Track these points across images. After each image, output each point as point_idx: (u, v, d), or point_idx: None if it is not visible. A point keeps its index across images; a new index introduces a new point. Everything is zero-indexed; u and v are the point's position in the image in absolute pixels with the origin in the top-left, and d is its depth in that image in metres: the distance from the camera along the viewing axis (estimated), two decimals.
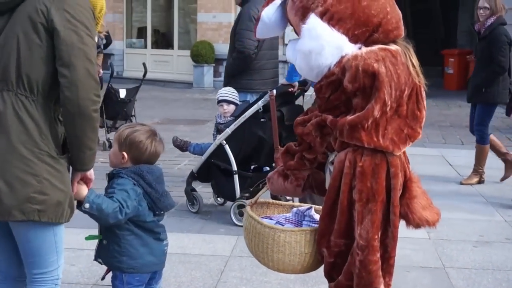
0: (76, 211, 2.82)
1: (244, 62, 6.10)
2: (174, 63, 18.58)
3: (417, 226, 3.03)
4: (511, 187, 7.12)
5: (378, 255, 2.96)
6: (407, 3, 23.71)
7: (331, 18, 2.85)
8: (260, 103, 5.36)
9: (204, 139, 10.11)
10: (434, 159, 8.68)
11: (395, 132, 2.89)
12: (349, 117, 2.84)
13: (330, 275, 3.05)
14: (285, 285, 4.21)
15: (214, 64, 18.14)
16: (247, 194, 5.49)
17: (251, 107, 5.43)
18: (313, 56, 2.86)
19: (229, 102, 5.89)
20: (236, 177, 5.49)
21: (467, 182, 7.30)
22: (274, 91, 5.29)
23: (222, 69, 18.76)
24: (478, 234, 5.50)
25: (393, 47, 2.90)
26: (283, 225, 3.20)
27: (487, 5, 6.96)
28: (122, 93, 8.76)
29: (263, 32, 3.20)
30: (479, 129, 7.39)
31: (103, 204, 2.84)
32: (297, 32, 2.98)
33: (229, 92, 5.93)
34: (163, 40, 20.22)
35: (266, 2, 3.14)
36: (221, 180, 5.70)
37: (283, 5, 3.07)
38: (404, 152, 3.04)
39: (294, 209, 3.33)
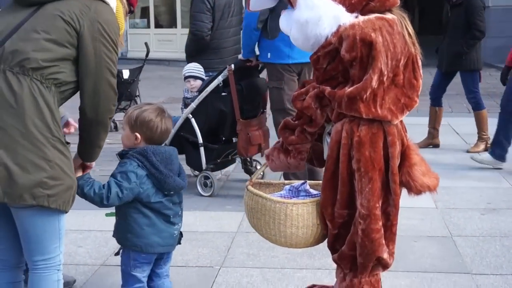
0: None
1: (198, 43, 6.20)
2: (178, 41, 18.42)
3: (419, 192, 3.02)
4: None
5: (380, 223, 2.95)
6: None
7: None
8: (220, 78, 5.56)
9: None
10: (441, 128, 8.60)
11: (392, 102, 2.87)
12: (347, 89, 2.81)
13: (333, 247, 3.04)
14: (292, 259, 4.21)
15: None
16: (212, 166, 5.81)
17: (211, 82, 5.62)
18: (310, 26, 2.83)
19: (195, 77, 6.02)
20: (202, 149, 5.74)
21: (474, 150, 7.27)
22: (232, 65, 5.49)
23: None
24: (486, 201, 5.47)
25: (389, 16, 2.86)
26: None
27: None
28: (126, 74, 8.73)
29: (256, 4, 3.16)
30: (471, 97, 7.55)
31: (84, 188, 2.89)
32: (291, 2, 2.93)
33: (195, 68, 6.05)
34: (166, 19, 20.13)
35: None
36: (190, 152, 5.89)
37: None
38: (401, 121, 3.01)
39: (287, 186, 3.29)
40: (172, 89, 13.02)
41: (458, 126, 8.75)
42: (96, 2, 2.72)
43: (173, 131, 5.71)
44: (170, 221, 3.08)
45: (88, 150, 2.84)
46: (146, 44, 9.23)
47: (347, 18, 2.81)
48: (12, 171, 2.52)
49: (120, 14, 2.90)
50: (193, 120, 5.73)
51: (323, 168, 3.07)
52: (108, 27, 2.69)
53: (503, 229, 4.78)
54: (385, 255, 2.99)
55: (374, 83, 2.77)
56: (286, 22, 2.99)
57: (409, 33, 2.89)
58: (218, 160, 5.86)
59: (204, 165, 5.75)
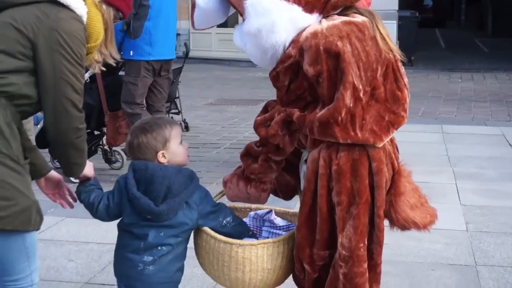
0: None
1: None
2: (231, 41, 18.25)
3: (403, 227, 2.61)
4: None
5: (365, 265, 2.55)
6: None
7: None
8: (86, 75, 5.69)
9: (253, 120, 9.80)
10: (493, 138, 8.03)
11: (374, 121, 2.45)
12: (318, 112, 2.41)
13: None
14: None
15: None
16: None
17: None
18: (264, 35, 2.43)
19: None
20: None
21: None
22: None
23: None
24: None
25: (358, 18, 2.44)
26: None
27: None
28: None
29: (201, 20, 2.71)
30: None
31: (81, 195, 2.75)
32: (241, 14, 2.54)
33: None
34: (228, 19, 19.96)
35: None
36: None
37: None
38: (392, 141, 2.60)
39: (251, 213, 2.93)
40: (225, 90, 12.78)
41: None
42: (57, 8, 2.40)
43: (39, 127, 5.95)
44: (134, 249, 2.66)
45: (64, 165, 2.58)
46: (185, 44, 9.06)
47: (306, 20, 2.41)
48: None
49: (95, 21, 2.55)
50: None
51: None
52: (69, 37, 2.36)
53: None
54: None
55: (349, 101, 2.35)
56: (240, 37, 2.61)
57: (382, 37, 2.45)
58: None
59: None
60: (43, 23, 2.36)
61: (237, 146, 7.90)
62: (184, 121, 8.75)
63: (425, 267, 4.12)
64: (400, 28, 16.57)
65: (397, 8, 16.83)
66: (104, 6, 2.61)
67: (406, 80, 2.54)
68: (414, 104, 10.78)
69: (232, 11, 2.70)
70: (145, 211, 2.62)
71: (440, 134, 8.27)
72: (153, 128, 2.69)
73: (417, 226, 2.60)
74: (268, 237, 2.94)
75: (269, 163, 2.62)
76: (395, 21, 16.54)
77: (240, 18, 2.68)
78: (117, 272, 2.75)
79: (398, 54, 2.49)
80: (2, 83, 2.34)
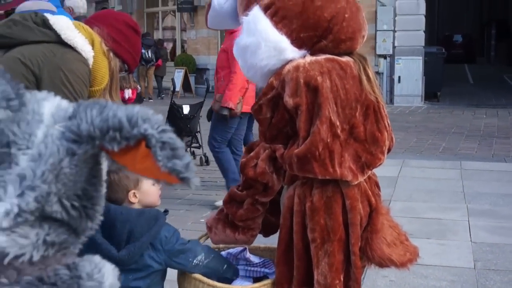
0: None
1: None
2: None
3: (380, 265, 2.55)
4: None
5: None
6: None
7: (275, 13, 2.41)
8: None
9: None
10: (509, 175, 7.94)
11: (352, 159, 2.43)
12: (296, 149, 2.42)
13: None
14: None
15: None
16: None
17: None
18: (248, 53, 2.43)
19: None
20: None
21: None
22: None
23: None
24: None
25: (343, 58, 2.44)
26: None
27: None
28: (186, 109, 8.59)
29: (214, 21, 2.75)
30: None
31: None
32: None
33: None
34: None
35: None
36: None
37: None
38: (370, 178, 2.58)
39: (223, 252, 2.88)
40: None
41: None
42: (64, 49, 2.51)
43: None
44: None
45: None
46: (172, 79, 9.30)
47: (292, 53, 2.40)
48: None
49: (101, 67, 2.63)
50: None
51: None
52: (72, 76, 2.47)
53: None
54: None
55: (325, 136, 2.33)
56: (235, 48, 2.58)
57: (368, 78, 2.45)
58: None
59: None
60: (49, 60, 2.46)
61: None
62: (204, 155, 8.82)
63: None
64: (426, 64, 16.57)
65: (423, 44, 16.82)
66: (111, 55, 2.69)
67: (388, 122, 2.51)
68: (435, 140, 10.75)
69: None
70: (106, 257, 2.53)
71: (459, 170, 8.19)
72: None
73: (394, 264, 2.55)
74: (246, 275, 2.92)
75: (256, 206, 2.57)
76: (421, 57, 16.55)
77: None
78: None
79: (380, 97, 2.48)
80: None
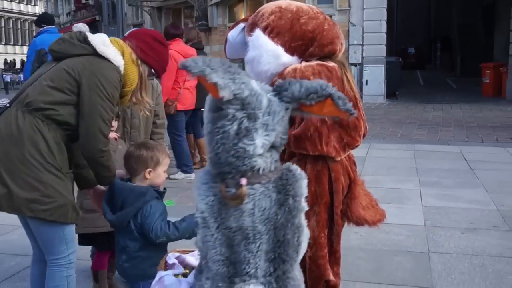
0: None
1: None
2: None
3: (356, 223, 2.59)
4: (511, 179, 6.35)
5: (326, 250, 2.54)
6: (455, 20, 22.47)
7: (271, 31, 2.47)
8: None
9: None
10: (453, 155, 7.92)
11: (336, 140, 2.47)
12: (293, 131, 2.44)
13: None
14: None
15: None
16: None
17: None
18: (255, 64, 2.48)
19: None
20: None
21: None
22: None
23: None
24: (469, 222, 4.83)
25: (330, 63, 2.48)
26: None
27: None
28: None
29: (231, 52, 2.78)
30: None
31: None
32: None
33: None
34: None
35: (231, 26, 2.77)
36: None
37: None
38: (349, 157, 2.60)
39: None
40: None
41: (468, 153, 7.98)
42: (100, 60, 2.51)
43: None
44: (117, 248, 2.64)
45: (96, 178, 2.61)
46: None
47: (287, 59, 2.44)
48: (12, 189, 2.39)
49: (131, 72, 2.60)
50: None
51: None
52: (104, 81, 2.46)
53: (476, 248, 4.18)
54: (331, 277, 2.58)
55: (315, 121, 2.39)
56: (247, 64, 2.63)
57: (348, 79, 2.49)
58: None
59: None
60: (87, 68, 2.46)
61: None
62: None
63: (389, 254, 4.08)
64: (387, 70, 16.50)
65: (384, 55, 16.74)
66: (139, 62, 2.67)
67: (363, 113, 2.56)
68: (394, 128, 10.71)
69: None
70: (105, 218, 2.61)
71: (412, 151, 8.18)
72: (153, 149, 2.62)
73: (368, 223, 2.58)
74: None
75: None
76: (383, 65, 16.47)
77: None
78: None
79: (357, 94, 2.52)
80: (53, 113, 2.45)
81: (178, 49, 6.08)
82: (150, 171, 2.60)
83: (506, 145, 8.60)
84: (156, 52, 2.69)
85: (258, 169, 1.91)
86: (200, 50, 6.82)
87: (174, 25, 6.66)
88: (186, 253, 2.62)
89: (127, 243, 2.58)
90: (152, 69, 2.75)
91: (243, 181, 1.89)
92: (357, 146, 2.53)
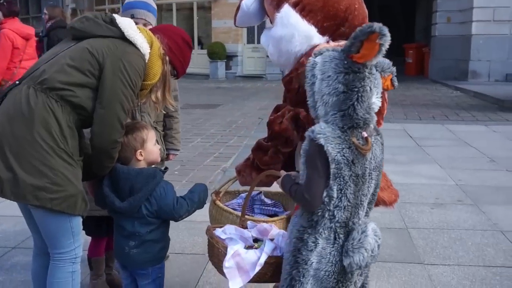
0: None
1: None
2: (194, 59, 17.96)
3: (375, 205, 2.54)
4: (462, 155, 6.62)
5: None
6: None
7: (303, 9, 2.34)
8: None
9: (215, 120, 9.65)
10: (398, 132, 8.17)
11: None
12: None
13: None
14: None
15: (225, 60, 17.78)
16: None
17: None
18: (284, 42, 2.34)
19: None
20: None
21: None
22: None
23: (232, 63, 18.38)
24: (435, 197, 4.99)
25: None
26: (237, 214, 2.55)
27: None
28: None
29: (242, 20, 2.63)
30: None
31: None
32: (272, 20, 2.46)
33: None
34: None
35: None
36: None
37: None
38: None
39: (243, 194, 2.80)
40: (188, 97, 12.53)
41: (411, 130, 8.26)
42: (125, 44, 2.30)
43: None
44: (123, 235, 2.48)
45: (96, 167, 2.37)
46: None
47: (319, 40, 2.32)
48: (18, 174, 2.13)
49: (154, 65, 2.40)
50: None
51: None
52: (129, 67, 2.25)
53: (449, 222, 4.32)
54: None
55: None
56: (265, 38, 2.50)
57: None
58: None
59: None
60: (112, 52, 2.26)
61: (206, 140, 7.77)
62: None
63: None
64: None
65: None
66: (167, 58, 2.48)
67: (386, 96, 2.47)
68: None
69: (265, 17, 2.62)
70: (111, 208, 2.44)
71: None
72: (133, 130, 2.46)
73: (385, 203, 2.56)
74: (260, 213, 2.83)
75: (278, 155, 2.51)
76: None
77: (268, 23, 2.60)
78: (115, 255, 2.58)
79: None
80: (69, 94, 2.21)
81: (13, 28, 6.10)
82: (140, 152, 2.45)
83: (443, 122, 8.97)
84: (182, 53, 2.53)
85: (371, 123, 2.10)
86: (63, 28, 7.01)
87: (10, 2, 6.42)
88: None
89: (136, 228, 2.42)
90: (174, 70, 2.56)
91: (365, 133, 2.05)
92: (379, 127, 2.47)
